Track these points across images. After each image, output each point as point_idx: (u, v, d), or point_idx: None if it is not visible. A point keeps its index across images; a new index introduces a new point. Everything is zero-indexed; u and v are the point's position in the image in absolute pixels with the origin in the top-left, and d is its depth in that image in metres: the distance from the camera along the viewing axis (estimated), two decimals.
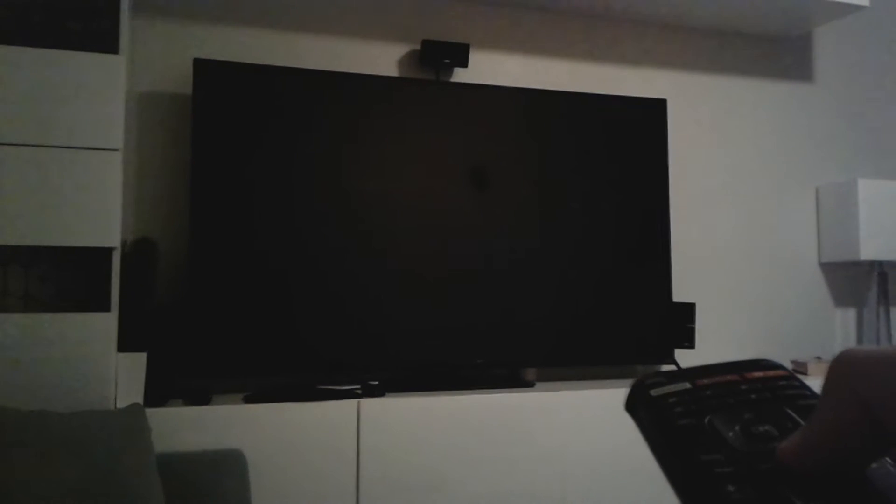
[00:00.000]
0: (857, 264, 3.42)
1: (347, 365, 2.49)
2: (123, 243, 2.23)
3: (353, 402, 2.26)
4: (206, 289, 2.36)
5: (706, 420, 0.38)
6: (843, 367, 0.33)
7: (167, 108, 2.57)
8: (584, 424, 2.47)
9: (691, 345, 2.85)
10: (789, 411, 0.39)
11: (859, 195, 3.13)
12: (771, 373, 0.42)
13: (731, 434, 0.37)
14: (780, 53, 3.40)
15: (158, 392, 2.21)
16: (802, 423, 0.37)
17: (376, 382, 2.38)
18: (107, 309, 2.12)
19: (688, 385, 0.41)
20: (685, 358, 3.11)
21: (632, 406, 0.41)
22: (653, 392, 0.40)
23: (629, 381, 2.78)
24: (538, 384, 2.66)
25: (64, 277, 2.30)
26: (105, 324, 2.04)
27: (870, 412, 0.32)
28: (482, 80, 2.92)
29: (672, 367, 3.11)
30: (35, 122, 2.03)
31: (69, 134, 2.05)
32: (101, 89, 2.08)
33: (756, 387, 0.41)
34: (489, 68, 2.95)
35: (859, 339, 3.38)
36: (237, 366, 2.38)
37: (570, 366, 2.88)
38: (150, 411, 2.06)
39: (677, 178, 3.17)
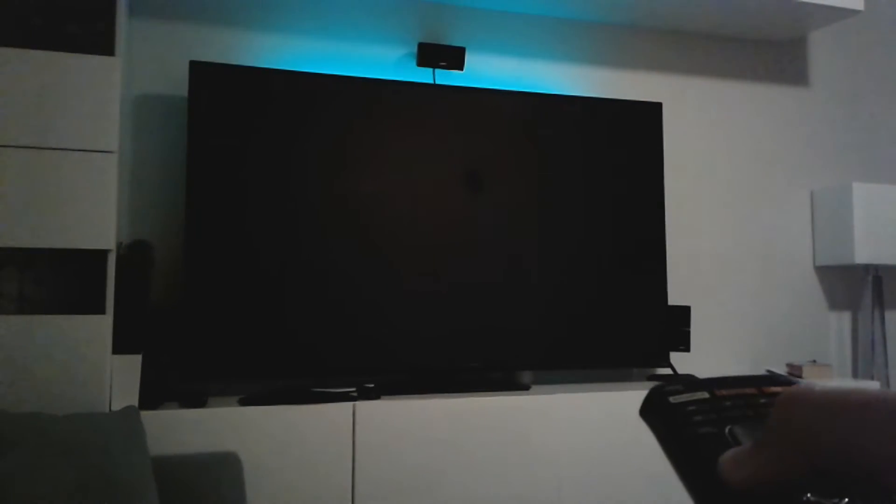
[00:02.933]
0: (852, 268, 3.43)
1: (343, 368, 2.49)
2: (119, 245, 2.22)
3: (349, 404, 2.26)
4: (201, 291, 2.36)
5: (727, 430, 0.38)
6: (792, 411, 0.34)
7: (163, 111, 2.57)
8: (580, 427, 2.47)
9: (687, 348, 2.86)
10: None
11: (854, 199, 3.14)
12: (788, 388, 0.43)
13: None
14: (775, 57, 3.41)
15: (153, 395, 2.20)
16: None
17: (372, 385, 2.38)
18: (102, 311, 2.11)
19: (706, 395, 0.41)
20: (680, 361, 3.12)
21: (648, 412, 0.41)
22: (672, 399, 0.40)
23: (625, 385, 2.78)
24: (534, 387, 2.66)
25: (59, 280, 2.29)
26: (100, 326, 2.03)
27: (807, 458, 0.33)
28: (478, 84, 2.92)
29: (668, 371, 3.13)
30: (31, 124, 2.02)
31: (65, 136, 2.04)
32: (98, 91, 2.08)
33: (774, 401, 0.41)
34: (485, 71, 2.95)
35: (854, 343, 3.39)
36: (232, 368, 2.38)
37: (566, 369, 2.88)
38: (145, 414, 2.06)
39: (672, 181, 3.18)
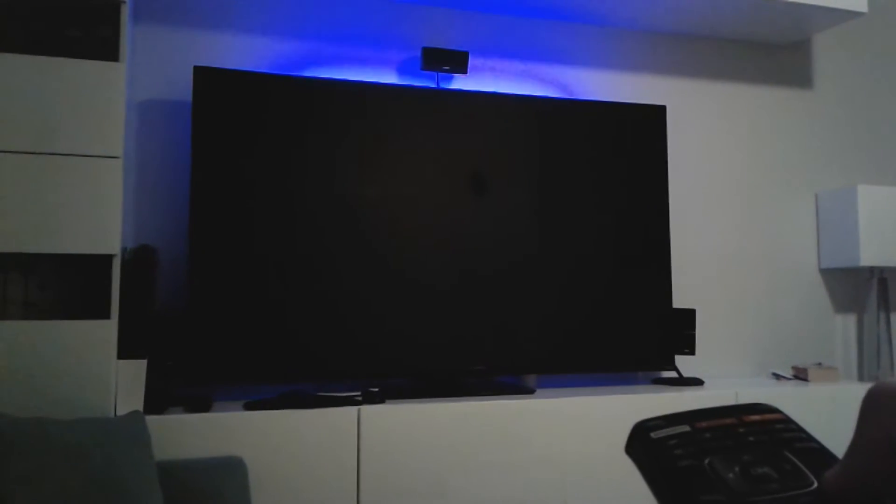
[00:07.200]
0: (857, 270, 3.42)
1: (347, 372, 2.49)
2: (123, 250, 2.23)
3: (354, 409, 2.26)
4: (206, 296, 2.36)
5: (706, 462, 0.38)
6: (872, 400, 0.35)
7: (167, 116, 2.58)
8: (585, 431, 2.46)
9: (691, 351, 2.85)
10: (787, 454, 0.39)
11: (859, 201, 3.13)
12: (768, 416, 0.43)
13: (730, 475, 0.37)
14: (778, 60, 3.40)
15: (158, 399, 2.21)
16: (800, 465, 0.38)
17: (376, 389, 2.37)
18: (107, 316, 2.11)
19: (687, 428, 0.41)
20: (685, 364, 3.11)
21: (631, 448, 0.42)
22: (653, 435, 0.41)
23: (630, 388, 2.78)
24: (539, 391, 2.66)
25: (64, 285, 2.29)
26: (105, 331, 2.04)
27: (893, 443, 0.33)
28: (481, 87, 2.93)
29: (673, 374, 3.13)
30: (36, 130, 2.03)
31: (69, 141, 2.05)
32: (102, 97, 2.08)
33: (754, 430, 0.41)
34: (488, 75, 2.96)
35: (860, 346, 3.38)
36: (237, 373, 2.38)
37: (571, 373, 2.88)
38: (150, 419, 2.06)
39: (677, 184, 3.18)
